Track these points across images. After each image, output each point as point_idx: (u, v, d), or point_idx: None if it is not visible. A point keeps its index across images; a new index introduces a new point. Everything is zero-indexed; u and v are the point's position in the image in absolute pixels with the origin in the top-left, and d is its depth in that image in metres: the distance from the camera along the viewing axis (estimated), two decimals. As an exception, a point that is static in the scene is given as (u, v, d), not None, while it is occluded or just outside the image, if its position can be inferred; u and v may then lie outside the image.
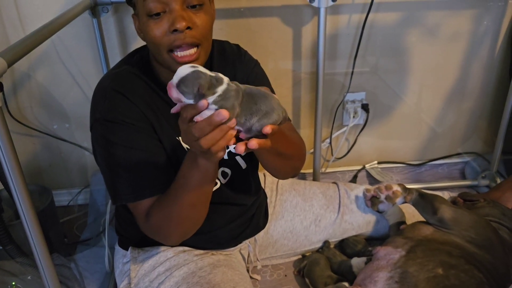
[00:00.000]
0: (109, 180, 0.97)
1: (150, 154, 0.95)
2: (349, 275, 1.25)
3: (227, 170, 1.11)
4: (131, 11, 0.97)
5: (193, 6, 0.89)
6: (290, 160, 1.02)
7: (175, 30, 0.87)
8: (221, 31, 1.51)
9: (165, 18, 0.88)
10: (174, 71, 0.92)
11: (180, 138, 1.02)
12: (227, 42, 1.13)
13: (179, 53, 0.90)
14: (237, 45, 1.14)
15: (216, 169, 0.87)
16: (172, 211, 0.91)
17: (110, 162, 0.95)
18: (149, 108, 0.97)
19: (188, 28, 0.87)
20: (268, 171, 1.07)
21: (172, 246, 1.15)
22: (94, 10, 1.38)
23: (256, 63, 1.13)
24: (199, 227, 0.97)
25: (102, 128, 0.94)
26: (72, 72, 1.54)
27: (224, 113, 0.70)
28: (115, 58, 1.50)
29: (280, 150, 0.94)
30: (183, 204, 0.90)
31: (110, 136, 0.93)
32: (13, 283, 1.26)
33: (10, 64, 0.77)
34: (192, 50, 0.90)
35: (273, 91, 1.13)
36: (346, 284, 1.16)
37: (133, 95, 0.95)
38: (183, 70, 0.72)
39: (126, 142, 0.93)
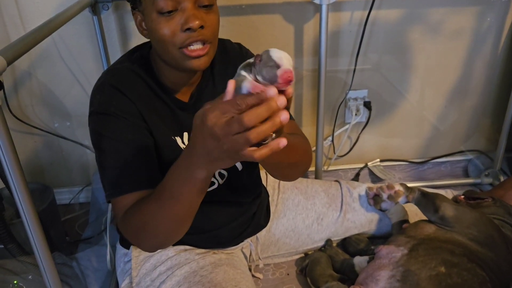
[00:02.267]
0: (100, 175, 0.95)
1: (137, 150, 0.93)
2: (352, 274, 1.24)
3: (224, 172, 1.10)
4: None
5: (205, 6, 0.88)
6: (296, 167, 1.01)
7: (188, 29, 0.86)
8: (223, 28, 1.49)
9: (177, 16, 0.86)
10: (182, 67, 0.91)
11: (176, 138, 1.00)
12: (228, 40, 1.12)
13: (190, 47, 0.88)
14: (239, 44, 1.13)
15: (209, 183, 0.78)
16: (151, 221, 0.84)
17: (100, 156, 0.93)
18: (146, 107, 0.96)
19: (201, 27, 0.86)
20: (275, 178, 1.05)
21: (173, 245, 1.14)
22: (95, 7, 1.38)
23: None
24: (178, 240, 0.90)
25: (94, 121, 0.94)
26: (73, 70, 1.54)
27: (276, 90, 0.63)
28: (116, 55, 1.50)
29: (286, 161, 0.92)
30: (166, 217, 0.83)
31: (101, 128, 0.93)
32: (15, 281, 1.26)
33: (10, 62, 0.76)
34: (204, 46, 0.89)
35: None
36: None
37: (130, 92, 0.94)
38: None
39: (115, 135, 0.92)
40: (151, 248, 0.95)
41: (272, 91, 0.61)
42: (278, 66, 0.63)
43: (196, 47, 0.88)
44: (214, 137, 0.64)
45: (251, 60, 0.67)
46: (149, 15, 0.88)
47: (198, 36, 0.87)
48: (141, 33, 0.95)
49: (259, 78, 0.65)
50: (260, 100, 0.61)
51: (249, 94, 0.62)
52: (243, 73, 0.66)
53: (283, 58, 0.64)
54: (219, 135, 0.63)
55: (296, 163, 0.98)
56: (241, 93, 0.64)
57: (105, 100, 0.94)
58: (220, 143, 0.64)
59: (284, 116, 0.62)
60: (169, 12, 0.86)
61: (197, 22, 0.85)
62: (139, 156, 0.94)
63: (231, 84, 0.65)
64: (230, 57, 1.08)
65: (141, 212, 0.86)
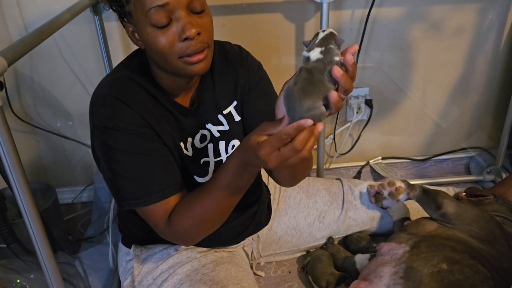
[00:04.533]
0: (113, 185, 0.95)
1: (154, 158, 0.94)
2: (353, 272, 1.24)
3: None
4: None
5: (197, 12, 0.87)
6: (307, 167, 1.02)
7: (186, 39, 0.85)
8: (224, 27, 1.51)
9: (173, 26, 0.85)
10: (183, 74, 0.91)
11: (181, 143, 1.01)
12: (228, 43, 1.10)
13: (190, 55, 0.88)
14: (239, 46, 1.11)
15: None
16: (208, 215, 0.91)
17: (113, 167, 0.93)
18: (150, 114, 0.95)
19: (198, 34, 0.86)
20: (279, 182, 1.05)
21: (174, 244, 1.15)
22: (96, 7, 1.38)
23: (259, 66, 1.10)
24: None
25: (102, 135, 0.93)
26: (75, 70, 1.54)
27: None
28: (117, 55, 1.50)
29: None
30: (223, 207, 0.91)
31: (111, 142, 0.92)
32: (18, 281, 1.26)
33: (10, 63, 0.76)
34: (203, 51, 0.89)
35: (275, 93, 1.12)
36: None
37: (132, 102, 0.93)
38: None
39: (128, 148, 0.92)
40: (197, 241, 0.99)
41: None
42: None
43: (196, 53, 0.88)
44: (268, 165, 0.74)
45: (321, 37, 0.73)
46: (143, 28, 0.87)
47: (197, 45, 0.86)
48: (135, 43, 0.93)
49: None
50: (301, 129, 0.70)
51: (293, 126, 0.70)
52: (336, 58, 0.71)
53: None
54: (274, 166, 0.73)
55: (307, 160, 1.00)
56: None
57: (109, 114, 0.92)
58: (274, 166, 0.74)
59: (320, 127, 0.71)
60: (164, 24, 0.85)
61: (193, 30, 0.84)
62: (160, 165, 0.94)
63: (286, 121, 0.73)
64: (230, 60, 1.07)
65: (194, 211, 0.91)
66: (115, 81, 0.96)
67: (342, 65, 0.71)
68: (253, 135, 0.76)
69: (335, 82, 0.70)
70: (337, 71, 0.69)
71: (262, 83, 1.09)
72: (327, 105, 0.71)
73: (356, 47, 0.72)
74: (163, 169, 0.94)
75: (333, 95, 0.69)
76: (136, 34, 0.91)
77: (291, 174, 1.01)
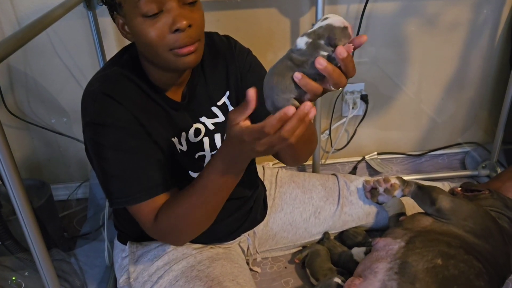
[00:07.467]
0: (103, 183, 0.95)
1: (143, 156, 0.93)
2: (350, 264, 1.25)
3: None
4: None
5: (189, 3, 0.86)
6: (310, 143, 1.02)
7: (177, 30, 0.84)
8: (219, 22, 1.50)
9: (163, 17, 0.84)
10: (173, 67, 0.91)
11: (174, 139, 1.00)
12: (216, 33, 1.10)
13: (180, 48, 0.87)
14: (227, 36, 1.11)
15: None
16: (194, 214, 0.89)
17: (102, 165, 0.92)
18: (141, 111, 0.94)
19: (189, 26, 0.85)
20: (285, 159, 1.05)
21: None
22: (89, 2, 1.37)
23: (248, 52, 1.10)
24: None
25: (92, 131, 0.92)
26: (68, 66, 1.53)
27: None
28: (111, 50, 1.49)
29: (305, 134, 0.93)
30: (208, 207, 0.89)
31: (100, 139, 0.91)
32: (13, 278, 1.26)
33: (2, 58, 0.75)
34: (194, 44, 0.88)
35: None
36: (338, 280, 1.15)
37: (123, 98, 0.92)
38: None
39: (117, 145, 0.91)
40: (190, 238, 0.99)
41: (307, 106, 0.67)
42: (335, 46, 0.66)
43: (186, 45, 0.87)
44: (255, 151, 0.73)
45: (316, 28, 0.69)
46: (133, 19, 0.86)
47: (187, 37, 0.85)
48: (125, 36, 0.92)
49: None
50: (285, 119, 0.67)
51: (279, 117, 0.67)
52: (323, 53, 0.67)
53: (337, 35, 0.66)
54: (260, 151, 0.73)
55: (310, 138, 1.00)
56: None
57: (99, 110, 0.91)
58: (262, 151, 0.73)
59: (312, 113, 0.68)
60: (155, 14, 0.84)
61: (184, 22, 0.83)
62: (148, 162, 0.93)
63: (252, 93, 0.70)
64: (220, 50, 1.07)
65: (179, 210, 0.89)
66: (106, 78, 0.96)
67: (332, 59, 0.66)
68: (232, 124, 0.74)
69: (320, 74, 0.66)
70: (318, 63, 0.65)
71: (253, 68, 1.09)
72: (302, 92, 0.68)
73: (363, 39, 0.68)
74: (150, 167, 0.93)
75: (297, 75, 0.67)
76: (126, 27, 0.90)
77: (292, 154, 1.01)
